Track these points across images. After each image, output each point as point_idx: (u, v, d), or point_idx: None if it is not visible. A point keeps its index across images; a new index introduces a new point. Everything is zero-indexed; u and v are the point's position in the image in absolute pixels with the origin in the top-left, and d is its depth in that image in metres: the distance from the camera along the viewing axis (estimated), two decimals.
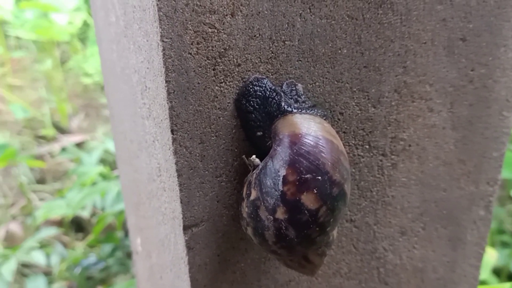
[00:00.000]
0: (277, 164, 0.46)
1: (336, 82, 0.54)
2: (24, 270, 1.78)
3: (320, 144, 0.47)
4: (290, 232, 0.46)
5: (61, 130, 2.54)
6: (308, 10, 0.49)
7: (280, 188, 0.45)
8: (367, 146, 0.59)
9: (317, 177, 0.45)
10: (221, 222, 0.56)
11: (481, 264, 0.77)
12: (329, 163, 0.46)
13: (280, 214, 0.46)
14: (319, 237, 0.48)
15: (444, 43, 0.57)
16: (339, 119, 0.56)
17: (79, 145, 2.36)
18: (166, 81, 0.46)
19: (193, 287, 0.58)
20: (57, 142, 2.44)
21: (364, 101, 0.57)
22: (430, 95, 0.60)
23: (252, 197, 0.48)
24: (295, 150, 0.46)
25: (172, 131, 0.49)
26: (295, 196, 0.45)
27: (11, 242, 1.93)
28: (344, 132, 0.57)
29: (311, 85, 0.53)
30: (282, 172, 0.46)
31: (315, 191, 0.45)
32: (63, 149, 2.18)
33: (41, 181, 2.23)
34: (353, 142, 0.58)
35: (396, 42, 0.55)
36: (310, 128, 0.48)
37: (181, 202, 0.53)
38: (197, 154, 0.51)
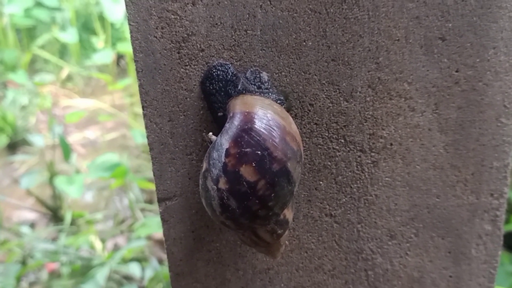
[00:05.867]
0: (223, 139, 0.50)
1: (303, 73, 0.57)
2: (123, 280, 1.90)
3: (265, 122, 0.50)
4: (232, 203, 0.50)
5: None
6: (268, 2, 0.54)
7: (223, 159, 0.49)
8: (343, 140, 0.61)
9: (256, 152, 0.49)
10: (194, 199, 0.61)
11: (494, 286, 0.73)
12: (271, 140, 0.49)
13: (222, 184, 0.50)
14: (261, 211, 0.50)
15: (421, 42, 0.58)
16: (309, 110, 0.59)
17: None
18: (134, 61, 0.53)
19: (169, 259, 0.63)
20: None
21: (335, 94, 0.59)
22: (410, 93, 0.60)
23: (203, 169, 0.52)
24: (239, 126, 0.50)
25: (142, 107, 0.55)
26: (235, 167, 0.49)
27: None
28: (316, 124, 0.60)
29: (277, 75, 0.57)
30: (226, 145, 0.50)
31: (254, 165, 0.49)
32: None
33: (149, 201, 2.40)
34: (327, 134, 0.61)
35: (366, 38, 0.57)
36: (257, 107, 0.51)
37: (154, 175, 0.59)
38: (167, 131, 0.57)
